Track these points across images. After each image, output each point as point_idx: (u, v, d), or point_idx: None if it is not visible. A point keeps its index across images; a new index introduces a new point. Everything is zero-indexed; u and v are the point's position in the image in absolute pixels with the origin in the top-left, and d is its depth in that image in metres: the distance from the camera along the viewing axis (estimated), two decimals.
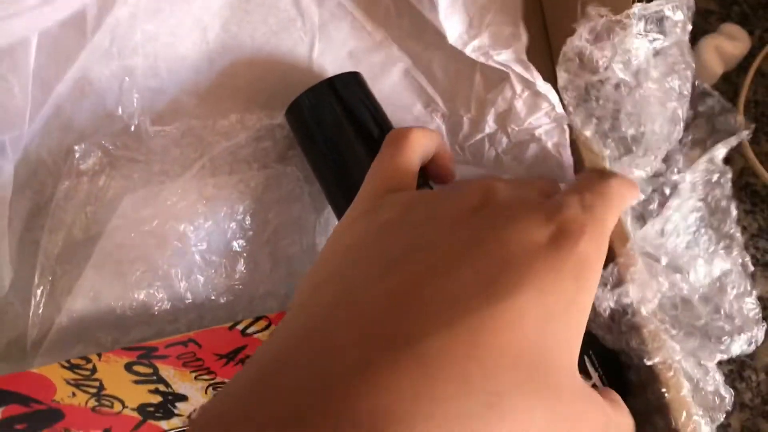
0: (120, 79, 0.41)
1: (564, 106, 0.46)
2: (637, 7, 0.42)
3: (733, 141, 0.47)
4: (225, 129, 0.43)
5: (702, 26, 0.59)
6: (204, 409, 0.22)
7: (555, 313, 0.24)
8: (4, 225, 0.41)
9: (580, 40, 0.44)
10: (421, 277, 0.24)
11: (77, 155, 0.42)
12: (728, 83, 0.60)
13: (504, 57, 0.44)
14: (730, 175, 0.46)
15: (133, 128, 0.42)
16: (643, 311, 0.41)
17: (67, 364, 0.40)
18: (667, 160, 0.49)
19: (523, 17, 0.45)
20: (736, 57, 0.59)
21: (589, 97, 0.46)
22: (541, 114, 0.46)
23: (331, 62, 0.46)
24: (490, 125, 0.47)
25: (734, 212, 0.47)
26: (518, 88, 0.45)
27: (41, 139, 0.40)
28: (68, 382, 0.40)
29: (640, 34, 0.44)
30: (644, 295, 0.42)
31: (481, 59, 0.44)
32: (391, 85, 0.47)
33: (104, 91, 0.41)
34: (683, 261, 0.44)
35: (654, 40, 0.44)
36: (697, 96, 0.53)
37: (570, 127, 0.47)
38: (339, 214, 0.42)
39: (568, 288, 0.25)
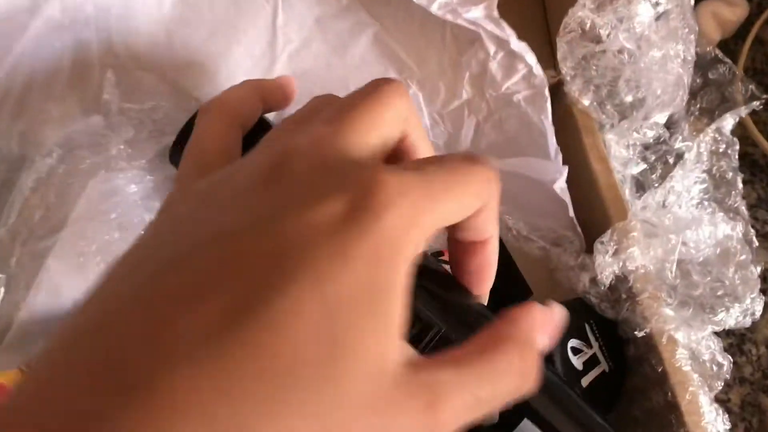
0: (74, 53, 0.39)
1: (561, 78, 0.44)
2: None
3: (742, 111, 0.45)
4: (187, 108, 0.41)
5: None
6: None
7: (345, 304, 0.20)
8: None
9: (582, 9, 0.42)
10: (175, 296, 0.20)
11: (32, 139, 0.40)
12: (726, 50, 0.57)
13: (473, 14, 0.41)
14: (737, 147, 0.44)
15: (89, 109, 0.39)
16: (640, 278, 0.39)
17: (27, 371, 0.37)
18: (672, 127, 0.47)
19: None
20: (734, 23, 0.57)
21: (588, 66, 0.44)
22: (518, 77, 0.43)
23: (296, 31, 0.44)
24: (467, 90, 0.44)
25: (740, 185, 0.45)
26: (491, 48, 0.42)
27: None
28: None
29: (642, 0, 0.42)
30: (642, 262, 0.40)
31: (449, 17, 0.41)
32: (361, 52, 0.44)
33: (58, 68, 0.39)
34: (684, 224, 0.42)
35: (657, 4, 0.43)
36: (708, 63, 0.50)
37: (567, 94, 0.45)
38: None
39: (362, 271, 0.20)
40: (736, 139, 0.45)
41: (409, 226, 0.21)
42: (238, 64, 0.43)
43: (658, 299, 0.40)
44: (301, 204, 0.21)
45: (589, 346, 0.42)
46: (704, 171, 0.45)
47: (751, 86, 0.51)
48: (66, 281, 0.40)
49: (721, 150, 0.46)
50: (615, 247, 0.40)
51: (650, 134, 0.45)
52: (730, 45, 0.58)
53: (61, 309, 0.40)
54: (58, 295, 0.40)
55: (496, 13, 0.42)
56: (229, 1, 0.43)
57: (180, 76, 0.42)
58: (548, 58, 0.47)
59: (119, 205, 0.40)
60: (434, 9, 0.42)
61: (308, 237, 0.20)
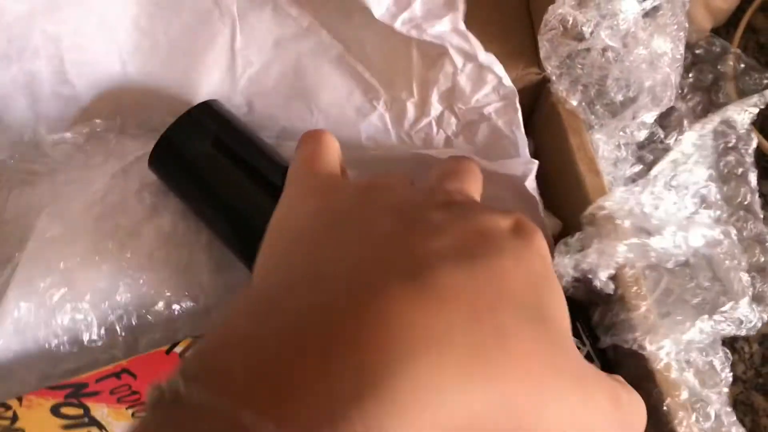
0: (22, 84, 0.39)
1: (547, 76, 0.43)
2: None
3: (753, 101, 0.43)
4: (136, 133, 0.40)
5: None
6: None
7: (540, 277, 0.25)
8: None
9: (562, 6, 0.40)
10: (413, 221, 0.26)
11: None
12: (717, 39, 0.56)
13: (439, 28, 0.40)
14: (753, 141, 0.43)
15: (35, 137, 0.39)
16: (602, 276, 0.37)
17: None
18: (669, 126, 0.45)
19: None
20: (726, 11, 0.55)
21: (574, 64, 0.43)
22: (488, 89, 0.42)
23: (256, 53, 0.43)
24: (435, 107, 0.43)
25: (754, 182, 0.44)
26: (459, 62, 0.41)
27: None
28: None
29: None
30: (604, 261, 0.38)
31: (413, 33, 0.40)
32: (325, 74, 0.43)
33: (4, 99, 0.38)
34: (665, 225, 0.40)
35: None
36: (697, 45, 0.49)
37: (553, 93, 0.43)
38: (244, 260, 0.40)
39: (539, 261, 0.26)
40: (750, 132, 0.43)
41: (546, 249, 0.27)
42: (197, 90, 0.43)
43: (641, 300, 0.38)
44: (483, 215, 0.27)
45: (582, 343, 0.41)
46: (708, 167, 0.44)
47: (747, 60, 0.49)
48: (24, 316, 0.39)
49: (730, 144, 0.44)
50: (580, 246, 0.38)
51: (638, 134, 0.44)
52: (722, 33, 0.56)
53: (22, 346, 0.39)
54: (18, 333, 0.39)
55: (462, 26, 0.41)
56: (185, 26, 0.42)
57: (134, 104, 0.41)
58: (532, 55, 0.46)
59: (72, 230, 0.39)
60: (398, 26, 0.41)
61: (499, 232, 0.26)
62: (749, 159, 0.44)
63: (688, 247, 0.39)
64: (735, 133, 0.44)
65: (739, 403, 0.46)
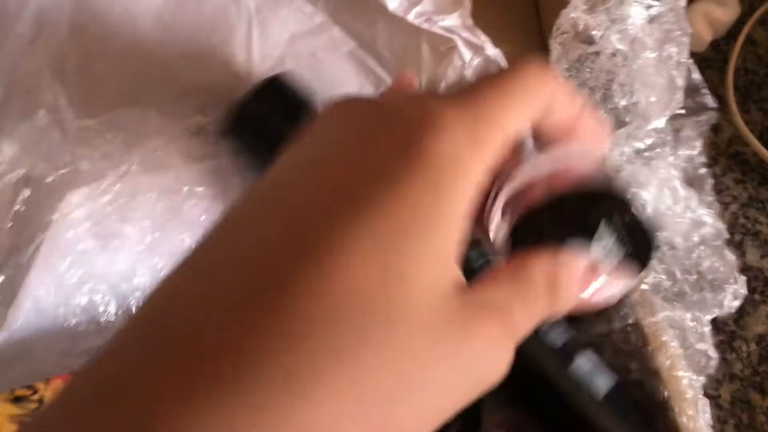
0: (49, 70, 0.40)
1: None
2: None
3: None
4: (157, 123, 0.42)
5: None
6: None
7: (395, 233, 0.20)
8: None
9: (574, 11, 0.42)
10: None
11: (6, 155, 0.41)
12: (717, 51, 0.57)
13: (448, 22, 0.42)
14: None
15: (59, 126, 0.40)
16: None
17: (10, 397, 0.37)
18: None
19: None
20: (726, 24, 0.57)
21: (582, 68, 0.44)
22: None
23: (271, 48, 0.44)
24: None
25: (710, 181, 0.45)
26: (467, 55, 0.43)
27: None
28: (13, 420, 0.36)
29: (636, 2, 0.42)
30: None
31: (425, 26, 0.42)
32: (337, 69, 0.45)
33: (31, 84, 0.40)
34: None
35: (649, 6, 0.43)
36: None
37: None
38: None
39: (413, 199, 0.20)
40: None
41: (469, 147, 0.21)
42: (214, 82, 0.44)
43: (644, 283, 0.40)
44: (358, 144, 0.22)
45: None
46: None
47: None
48: (43, 296, 0.40)
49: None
50: None
51: (648, 141, 0.45)
52: (721, 45, 0.57)
53: (43, 326, 0.40)
54: (37, 313, 0.40)
55: (470, 21, 0.43)
56: (204, 21, 0.44)
57: (152, 96, 0.43)
58: (540, 57, 0.47)
59: (91, 216, 0.40)
60: (411, 18, 0.42)
61: (360, 175, 0.21)
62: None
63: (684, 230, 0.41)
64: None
65: (737, 400, 0.47)
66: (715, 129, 0.54)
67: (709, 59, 0.57)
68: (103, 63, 0.42)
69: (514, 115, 0.23)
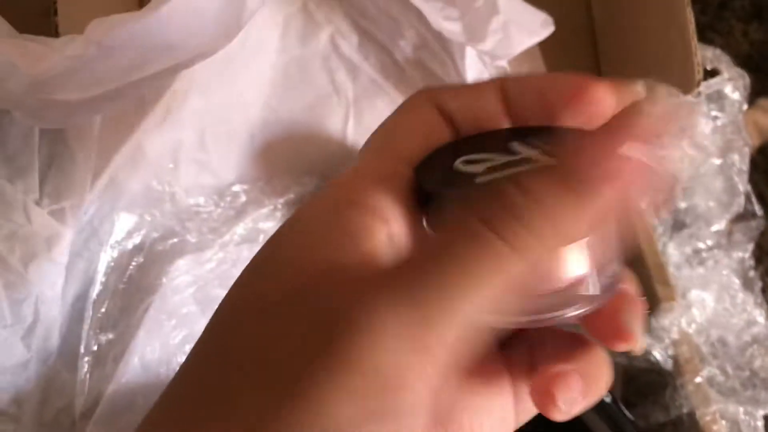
0: (170, 150, 0.44)
1: None
2: (702, 86, 0.44)
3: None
4: (259, 196, 0.46)
5: None
6: None
7: None
8: (59, 292, 0.42)
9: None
10: None
11: (124, 224, 0.45)
12: (763, 155, 0.61)
13: None
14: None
15: (174, 198, 0.44)
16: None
17: None
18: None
19: None
20: None
21: None
22: None
23: (364, 134, 0.48)
24: None
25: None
26: None
27: (95, 207, 0.43)
28: None
29: (703, 113, 0.46)
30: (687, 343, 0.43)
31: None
32: None
33: (154, 162, 0.44)
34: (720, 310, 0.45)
35: (715, 117, 0.47)
36: None
37: None
38: None
39: None
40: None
41: (415, 354, 0.18)
42: (312, 160, 0.48)
43: (699, 376, 0.43)
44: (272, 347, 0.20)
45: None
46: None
47: None
48: (149, 354, 0.44)
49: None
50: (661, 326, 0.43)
51: (710, 242, 0.49)
52: (766, 150, 0.61)
53: (147, 381, 0.44)
54: (145, 369, 0.44)
55: None
56: (306, 106, 0.48)
57: (256, 172, 0.47)
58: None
59: (195, 282, 0.44)
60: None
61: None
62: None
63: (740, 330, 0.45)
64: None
65: None
66: (762, 232, 0.58)
67: (756, 163, 0.61)
68: (216, 144, 0.46)
69: (480, 296, 0.18)
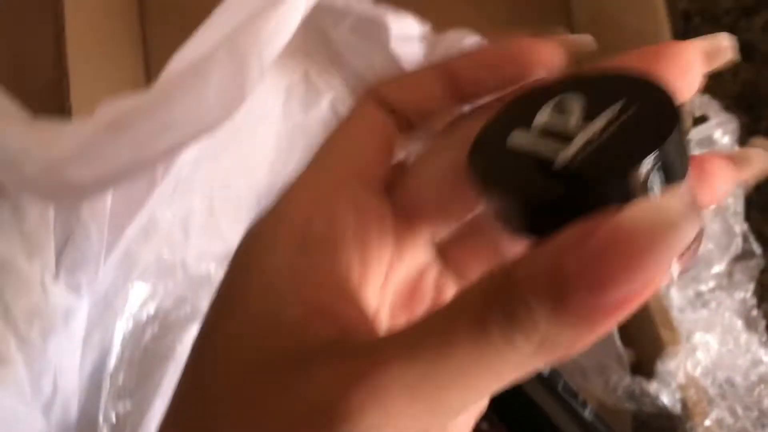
0: (180, 219, 0.46)
1: None
2: (692, 132, 0.45)
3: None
4: None
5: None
6: None
7: None
8: (76, 364, 0.44)
9: None
10: None
11: (138, 295, 0.46)
12: (759, 192, 0.62)
13: None
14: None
15: (186, 267, 0.45)
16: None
17: None
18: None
19: None
20: None
21: None
22: None
23: None
24: None
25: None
26: None
27: (110, 279, 0.44)
28: None
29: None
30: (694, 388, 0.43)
31: None
32: None
33: (165, 232, 0.45)
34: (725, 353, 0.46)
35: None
36: None
37: None
38: None
39: None
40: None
41: None
42: None
43: (708, 419, 0.44)
44: None
45: None
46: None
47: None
48: None
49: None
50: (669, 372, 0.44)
51: (711, 284, 0.50)
52: (763, 188, 0.62)
53: None
54: None
55: None
56: None
57: None
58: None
59: None
60: None
61: None
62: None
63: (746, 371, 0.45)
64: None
65: None
66: (763, 269, 0.59)
67: (754, 201, 0.62)
68: (224, 210, 0.47)
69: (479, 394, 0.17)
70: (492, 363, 0.15)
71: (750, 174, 0.22)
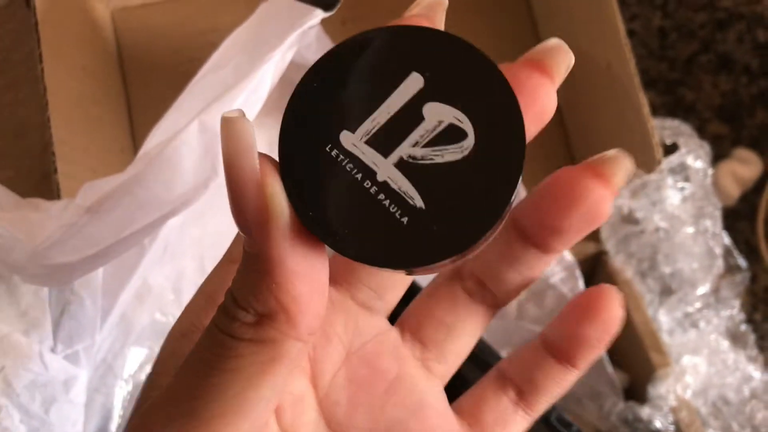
0: (172, 281, 0.47)
1: (603, 250, 0.51)
2: (665, 162, 0.46)
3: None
4: None
5: (715, 151, 0.63)
6: None
7: None
8: (80, 430, 0.45)
9: (620, 198, 0.49)
10: None
11: (136, 358, 0.47)
12: (745, 202, 0.63)
13: None
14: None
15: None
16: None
17: None
18: None
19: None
20: (751, 179, 0.63)
21: (629, 243, 0.50)
22: (552, 263, 0.50)
23: None
24: None
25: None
26: None
27: (108, 344, 0.46)
28: None
29: (670, 186, 0.48)
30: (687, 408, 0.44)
31: None
32: None
33: (158, 294, 0.46)
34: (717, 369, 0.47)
35: (682, 188, 0.49)
36: None
37: (611, 267, 0.51)
38: None
39: None
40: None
41: None
42: None
43: None
44: None
45: None
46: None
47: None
48: None
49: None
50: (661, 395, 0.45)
51: (698, 305, 0.51)
52: (749, 197, 0.63)
53: None
54: None
55: None
56: None
57: None
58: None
59: None
60: None
61: None
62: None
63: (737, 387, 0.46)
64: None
65: None
66: (753, 278, 0.59)
67: (740, 211, 0.63)
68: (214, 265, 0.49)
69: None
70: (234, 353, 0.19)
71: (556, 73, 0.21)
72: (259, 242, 0.18)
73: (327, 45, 0.50)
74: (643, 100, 0.44)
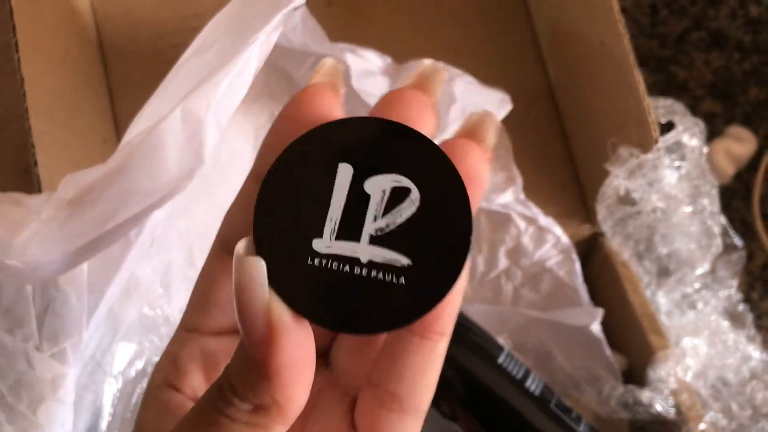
0: (160, 273, 0.46)
1: (599, 232, 0.50)
2: (660, 141, 0.46)
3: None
4: None
5: (709, 129, 0.62)
6: None
7: None
8: (69, 429, 0.44)
9: (616, 179, 0.48)
10: None
11: (125, 353, 0.46)
12: (740, 180, 0.62)
13: (503, 200, 0.48)
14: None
15: (169, 322, 0.46)
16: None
17: None
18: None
19: (515, 161, 0.49)
20: (745, 157, 0.62)
21: (626, 225, 0.50)
22: (548, 246, 0.49)
23: None
24: (502, 261, 0.50)
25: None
26: (522, 225, 0.48)
27: (95, 341, 0.44)
28: None
29: (667, 165, 0.48)
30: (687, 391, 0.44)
31: (484, 204, 0.48)
32: None
33: (146, 288, 0.45)
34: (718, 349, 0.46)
35: (678, 167, 0.48)
36: None
37: (608, 249, 0.50)
38: None
39: None
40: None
41: None
42: None
43: (703, 422, 0.44)
44: None
45: None
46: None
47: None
48: None
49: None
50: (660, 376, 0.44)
51: (696, 285, 0.50)
52: (743, 175, 0.62)
53: None
54: None
55: (522, 196, 0.48)
56: None
57: None
58: (584, 214, 0.53)
59: None
60: None
61: None
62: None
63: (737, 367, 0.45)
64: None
65: None
66: (749, 256, 0.59)
67: (735, 189, 0.62)
68: (203, 256, 0.47)
69: None
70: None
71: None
72: (262, 353, 0.20)
73: (312, 27, 0.48)
74: (639, 78, 0.43)
